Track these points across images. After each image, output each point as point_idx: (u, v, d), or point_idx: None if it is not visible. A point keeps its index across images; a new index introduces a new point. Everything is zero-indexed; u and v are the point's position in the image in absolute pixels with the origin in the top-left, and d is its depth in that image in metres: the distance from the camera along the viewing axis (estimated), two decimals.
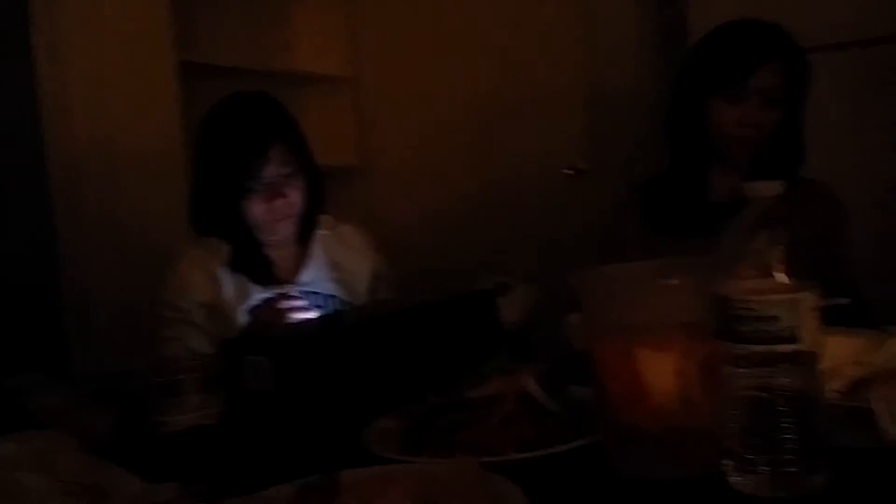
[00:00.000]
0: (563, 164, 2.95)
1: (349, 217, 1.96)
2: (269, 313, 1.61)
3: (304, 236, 1.81)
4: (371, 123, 3.38)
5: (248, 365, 1.02)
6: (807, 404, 0.79)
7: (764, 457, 0.80)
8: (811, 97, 1.72)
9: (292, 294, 1.69)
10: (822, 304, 1.15)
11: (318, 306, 1.73)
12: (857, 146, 2.44)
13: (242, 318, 1.70)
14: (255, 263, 1.76)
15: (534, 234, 2.94)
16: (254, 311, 1.67)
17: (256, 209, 1.69)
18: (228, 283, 1.74)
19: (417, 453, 0.96)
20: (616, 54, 2.94)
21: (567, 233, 2.78)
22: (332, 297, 1.80)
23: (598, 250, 1.80)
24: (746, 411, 0.80)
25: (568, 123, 2.95)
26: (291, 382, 1.02)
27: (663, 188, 1.78)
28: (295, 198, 1.72)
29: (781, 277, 0.79)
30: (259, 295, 1.72)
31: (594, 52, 2.93)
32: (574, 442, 0.94)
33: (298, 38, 3.33)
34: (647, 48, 2.91)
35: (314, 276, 1.81)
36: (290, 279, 1.78)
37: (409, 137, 3.27)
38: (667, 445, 0.88)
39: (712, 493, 0.82)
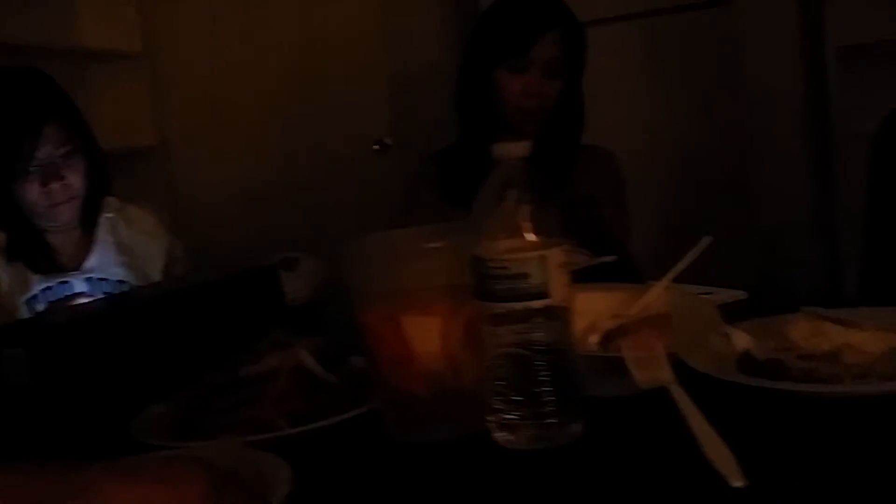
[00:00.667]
0: (370, 139, 2.95)
1: (138, 198, 1.88)
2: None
3: (87, 220, 1.72)
4: (169, 101, 3.24)
5: (3, 358, 0.96)
6: (561, 357, 0.82)
7: (525, 411, 0.82)
8: (592, 67, 1.79)
9: (82, 292, 1.63)
10: (591, 262, 1.20)
11: (106, 293, 1.66)
12: (639, 113, 2.58)
13: (23, 309, 1.60)
14: (34, 251, 1.67)
15: (341, 209, 2.93)
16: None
17: (32, 193, 1.60)
18: (4, 274, 1.64)
19: (188, 438, 0.93)
20: (417, 31, 2.95)
21: (375, 207, 2.78)
22: (122, 282, 1.72)
23: (395, 221, 1.81)
24: (506, 368, 0.83)
25: (374, 99, 2.95)
26: (51, 374, 0.96)
27: (455, 158, 1.81)
28: (74, 180, 1.64)
29: (530, 236, 0.81)
30: (39, 285, 1.63)
31: (396, 29, 2.94)
32: (349, 412, 0.93)
33: (83, 12, 3.13)
34: (447, 24, 2.94)
35: (101, 261, 1.72)
36: (74, 266, 1.70)
37: (211, 114, 3.16)
38: (437, 408, 0.89)
39: (482, 452, 0.84)
